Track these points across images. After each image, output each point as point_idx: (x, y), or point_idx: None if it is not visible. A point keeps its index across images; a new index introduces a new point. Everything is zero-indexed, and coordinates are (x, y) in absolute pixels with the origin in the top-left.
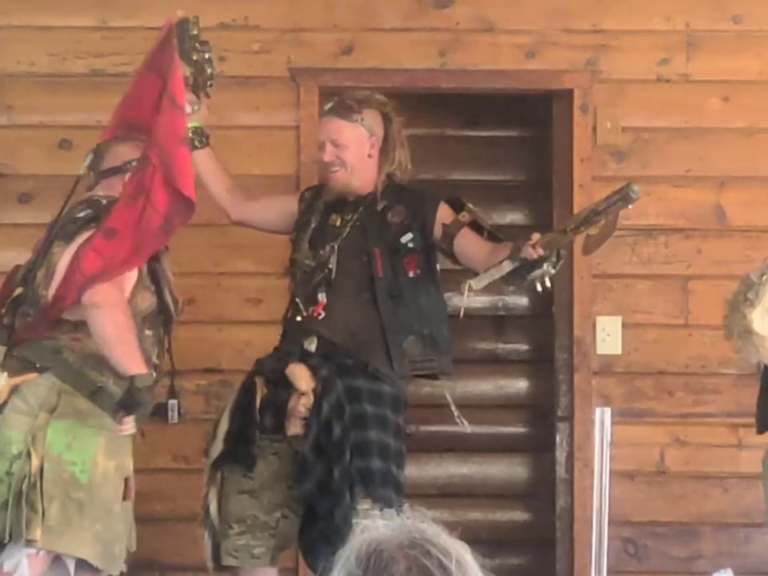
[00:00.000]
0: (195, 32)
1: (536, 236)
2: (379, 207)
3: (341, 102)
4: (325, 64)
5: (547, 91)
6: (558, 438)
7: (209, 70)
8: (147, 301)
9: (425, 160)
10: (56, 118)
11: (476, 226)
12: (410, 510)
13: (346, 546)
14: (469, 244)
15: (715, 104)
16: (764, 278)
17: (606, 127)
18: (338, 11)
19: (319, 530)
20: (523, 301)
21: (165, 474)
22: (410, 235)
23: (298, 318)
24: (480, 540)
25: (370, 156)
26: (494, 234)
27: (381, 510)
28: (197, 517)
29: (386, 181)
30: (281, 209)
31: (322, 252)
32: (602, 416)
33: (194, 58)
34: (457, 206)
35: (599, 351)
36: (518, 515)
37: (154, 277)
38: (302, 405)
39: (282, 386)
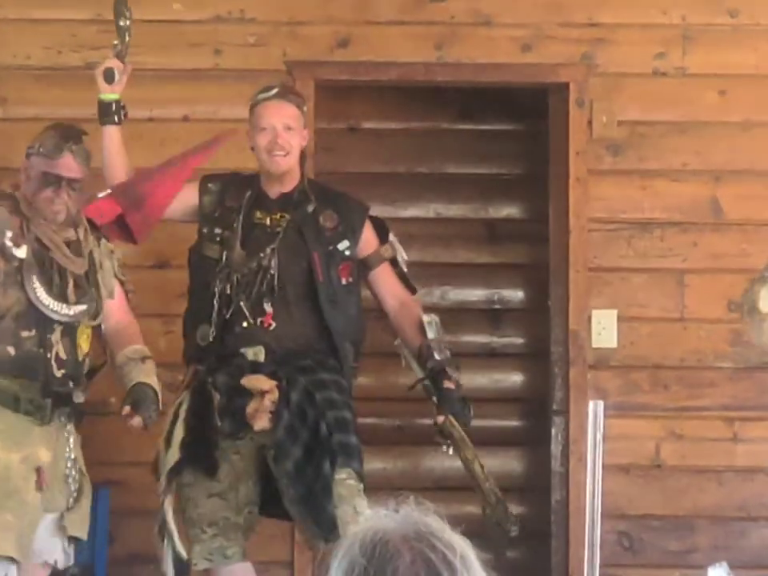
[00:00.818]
0: None
1: (440, 419)
2: (309, 209)
3: (287, 88)
4: (320, 57)
5: (543, 85)
6: (553, 432)
7: (127, 38)
8: (10, 299)
9: (420, 153)
10: (51, 111)
11: (394, 262)
12: (414, 502)
13: (349, 534)
14: (383, 284)
15: (711, 98)
16: None
17: (602, 121)
18: (333, 4)
19: (301, 495)
20: (518, 294)
21: None
22: (346, 243)
23: (244, 324)
24: (475, 534)
25: (301, 146)
26: (407, 280)
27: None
28: None
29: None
30: (180, 198)
31: (262, 255)
32: (596, 409)
33: (121, 24)
34: (380, 231)
35: (595, 345)
36: (513, 509)
37: (43, 270)
38: (267, 400)
39: (238, 396)
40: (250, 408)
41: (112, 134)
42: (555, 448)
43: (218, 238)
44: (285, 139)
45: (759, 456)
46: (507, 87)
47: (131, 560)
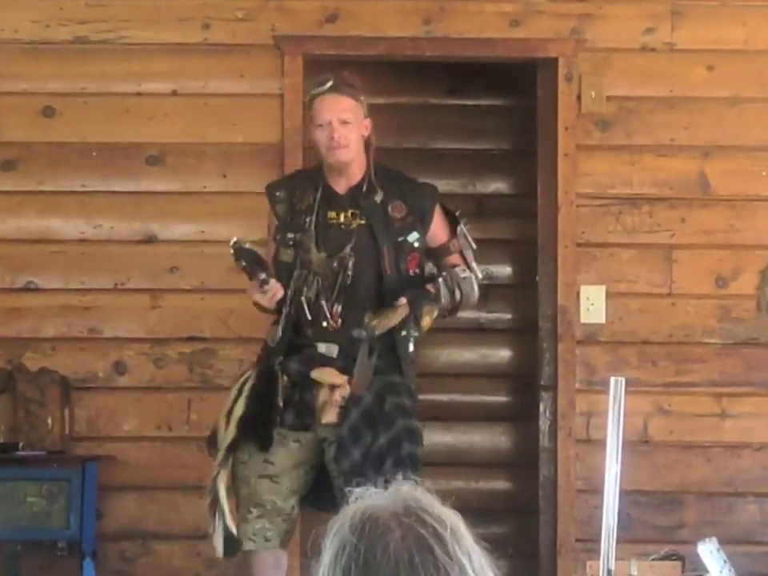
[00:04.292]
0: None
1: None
2: (377, 199)
3: (341, 80)
4: (309, 32)
5: (532, 60)
6: (541, 407)
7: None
8: None
9: (408, 129)
10: (39, 85)
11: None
12: (402, 478)
13: (339, 513)
14: (443, 267)
15: (700, 73)
16: None
17: (591, 96)
18: None
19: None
20: (507, 270)
21: (148, 442)
22: (416, 234)
23: (324, 324)
24: (462, 509)
25: (363, 137)
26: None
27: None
28: (180, 485)
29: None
30: None
31: (341, 255)
32: (617, 385)
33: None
34: (450, 218)
35: (583, 320)
36: (501, 484)
37: None
38: (338, 394)
39: (307, 389)
40: (320, 400)
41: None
42: (543, 423)
43: (290, 242)
44: (341, 134)
45: (746, 432)
46: (496, 62)
47: (119, 536)
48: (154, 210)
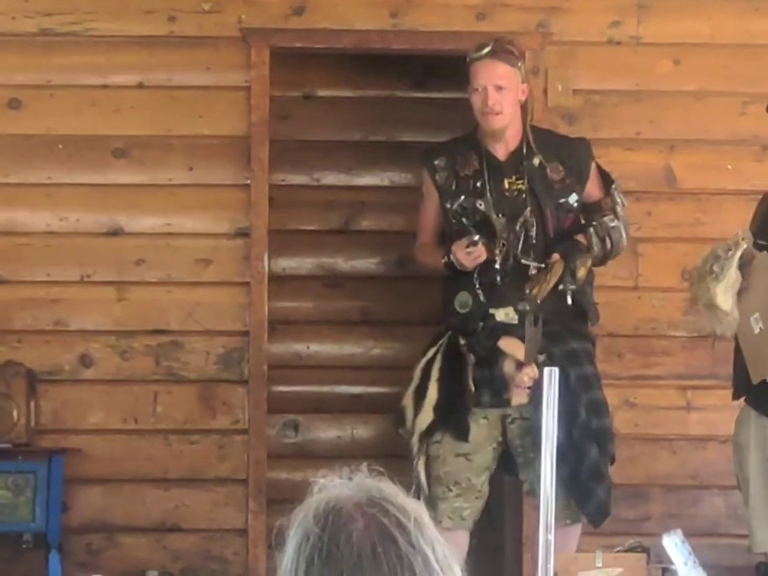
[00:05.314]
0: None
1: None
2: (536, 162)
3: (500, 45)
4: (276, 24)
5: None
6: None
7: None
8: None
9: (375, 121)
10: (5, 78)
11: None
12: (367, 469)
13: (303, 504)
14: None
15: (666, 67)
16: (730, 253)
17: (557, 89)
18: None
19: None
20: None
21: (114, 434)
22: (575, 196)
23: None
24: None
25: (519, 102)
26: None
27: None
28: (145, 477)
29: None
30: (438, 217)
31: (522, 219)
32: (551, 376)
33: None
34: (605, 178)
35: None
36: None
37: None
38: (525, 375)
39: (495, 363)
40: (506, 371)
41: None
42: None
43: (463, 209)
44: (495, 100)
45: (712, 424)
46: (462, 55)
47: (85, 528)
48: (121, 202)
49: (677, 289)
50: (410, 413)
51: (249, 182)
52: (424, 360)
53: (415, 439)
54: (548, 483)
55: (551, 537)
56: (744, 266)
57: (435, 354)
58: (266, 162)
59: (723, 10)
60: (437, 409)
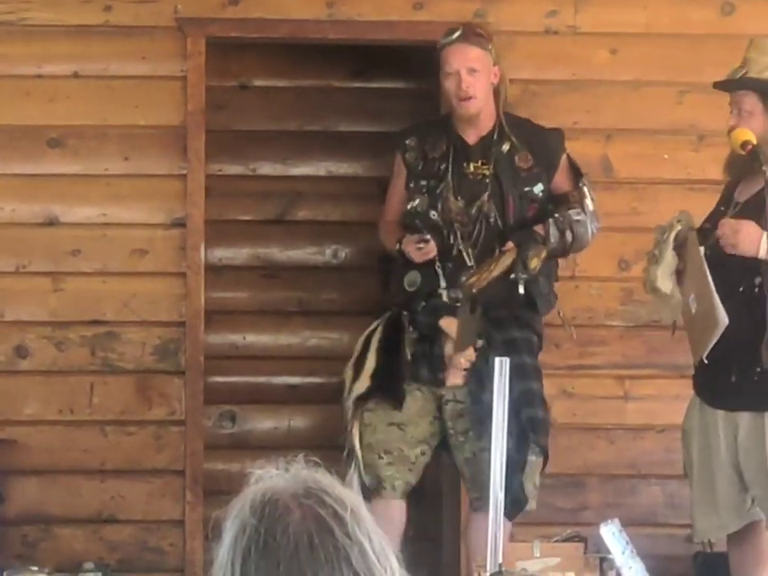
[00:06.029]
0: None
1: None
2: (504, 148)
3: (470, 29)
4: (212, 14)
5: (435, 43)
6: None
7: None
8: None
9: (312, 111)
10: None
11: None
12: (304, 461)
13: (239, 495)
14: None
15: (602, 56)
16: (665, 235)
17: None
18: None
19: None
20: None
21: (50, 425)
22: (541, 186)
23: (471, 269)
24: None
25: (492, 85)
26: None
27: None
28: (82, 469)
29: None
30: (403, 194)
31: (479, 203)
32: (502, 366)
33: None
34: (575, 171)
35: None
36: None
37: None
38: (463, 358)
39: (436, 341)
40: (446, 352)
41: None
42: None
43: (424, 190)
44: (469, 83)
45: (649, 414)
46: (399, 45)
47: (21, 520)
48: (56, 192)
49: (614, 278)
50: (348, 382)
51: (185, 172)
52: (366, 332)
53: (349, 404)
54: (497, 473)
55: (500, 531)
56: (680, 247)
57: (377, 326)
58: (202, 152)
59: (659, 0)
60: (373, 377)
